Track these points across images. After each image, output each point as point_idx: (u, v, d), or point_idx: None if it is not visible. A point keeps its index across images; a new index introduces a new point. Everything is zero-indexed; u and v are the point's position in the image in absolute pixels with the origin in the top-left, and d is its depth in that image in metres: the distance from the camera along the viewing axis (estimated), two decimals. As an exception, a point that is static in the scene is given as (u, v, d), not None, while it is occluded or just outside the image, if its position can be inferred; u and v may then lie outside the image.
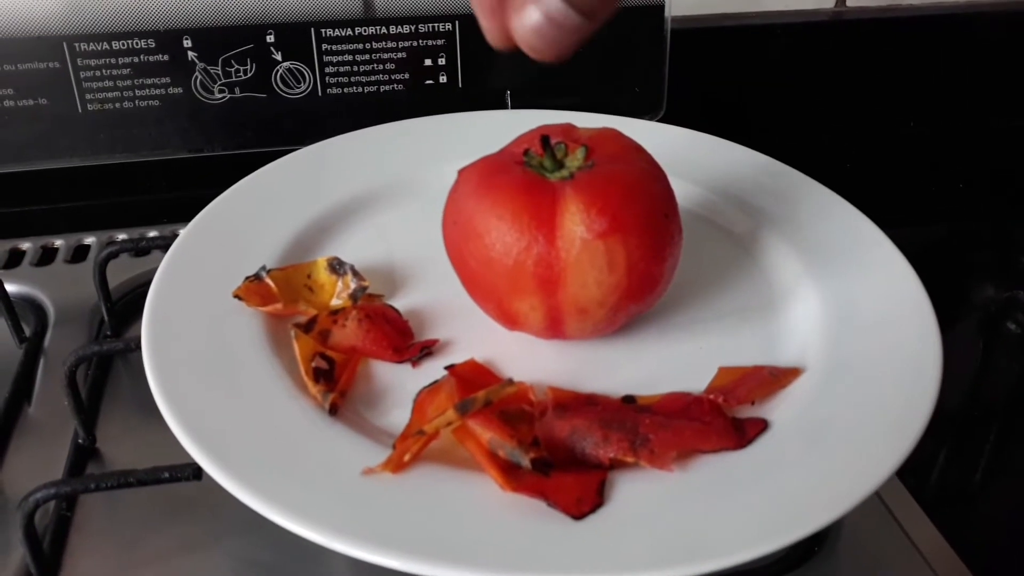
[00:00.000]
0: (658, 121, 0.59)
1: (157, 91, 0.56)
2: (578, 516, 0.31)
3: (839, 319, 0.41)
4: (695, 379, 0.38)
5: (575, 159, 0.38)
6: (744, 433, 0.34)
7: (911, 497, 0.41)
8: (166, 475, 0.34)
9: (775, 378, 0.37)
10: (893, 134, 0.76)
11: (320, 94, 0.58)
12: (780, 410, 0.36)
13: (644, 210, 0.36)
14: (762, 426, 0.35)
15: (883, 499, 0.40)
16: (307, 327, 0.39)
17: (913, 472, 0.41)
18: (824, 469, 0.33)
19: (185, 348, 0.38)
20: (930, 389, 0.36)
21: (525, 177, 0.37)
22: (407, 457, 0.32)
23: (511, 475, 0.32)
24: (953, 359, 0.52)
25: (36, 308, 0.51)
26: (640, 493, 0.32)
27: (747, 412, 0.36)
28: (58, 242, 0.56)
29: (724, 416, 0.35)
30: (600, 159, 0.38)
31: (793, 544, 0.30)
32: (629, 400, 0.37)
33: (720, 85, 0.70)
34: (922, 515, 0.40)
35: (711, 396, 0.36)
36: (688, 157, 0.52)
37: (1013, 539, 0.44)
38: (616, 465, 0.33)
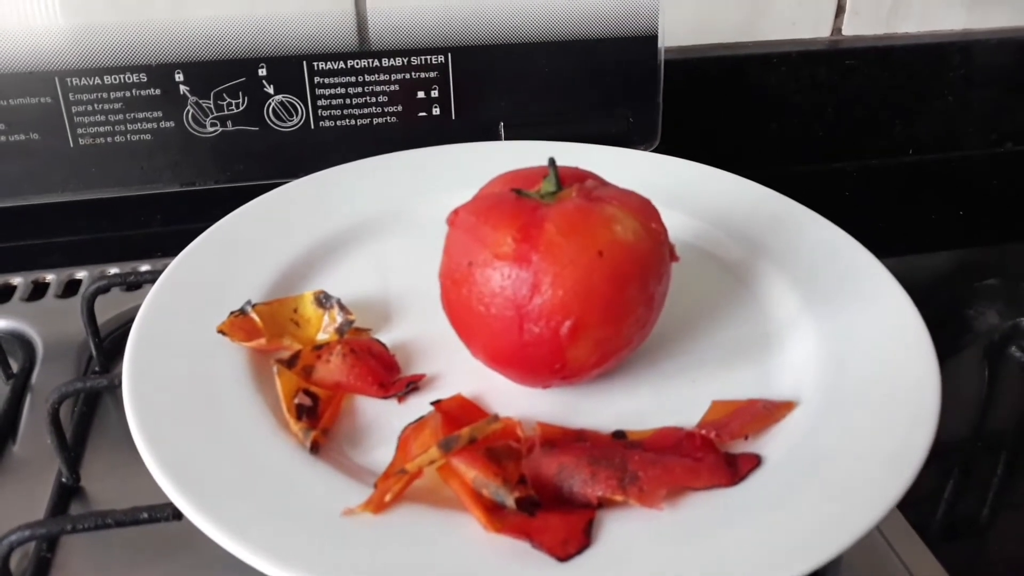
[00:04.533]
0: (653, 151, 0.59)
1: (149, 125, 0.56)
2: (563, 558, 0.30)
3: (835, 351, 0.40)
4: (688, 413, 0.37)
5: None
6: (737, 469, 0.33)
7: (914, 532, 0.40)
8: (145, 516, 0.33)
9: (769, 412, 0.36)
10: (891, 162, 0.76)
11: (313, 127, 0.58)
12: (774, 445, 0.35)
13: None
14: (755, 462, 0.34)
15: (884, 534, 0.39)
16: (290, 362, 0.38)
17: (916, 505, 0.40)
18: (820, 506, 0.32)
19: (167, 384, 0.37)
20: (929, 421, 0.35)
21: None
22: (389, 497, 0.32)
23: (495, 515, 0.31)
24: (958, 388, 0.51)
25: (25, 344, 0.50)
26: (629, 533, 0.31)
27: (741, 447, 0.35)
28: (49, 277, 0.56)
29: (716, 452, 0.34)
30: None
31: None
32: (619, 436, 0.36)
33: (716, 114, 0.70)
34: (925, 551, 0.39)
35: (703, 431, 0.35)
36: (683, 187, 0.51)
37: (1020, 574, 0.43)
38: (605, 504, 0.32)
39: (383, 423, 0.37)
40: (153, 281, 0.43)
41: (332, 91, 0.58)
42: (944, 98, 0.74)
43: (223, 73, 0.56)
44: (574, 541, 0.30)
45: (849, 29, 0.72)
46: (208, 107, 0.56)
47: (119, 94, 0.55)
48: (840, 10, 0.71)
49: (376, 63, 0.58)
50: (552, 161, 0.38)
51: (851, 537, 0.31)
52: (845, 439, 0.35)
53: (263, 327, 0.40)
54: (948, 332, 0.57)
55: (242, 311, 0.41)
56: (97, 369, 0.48)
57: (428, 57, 0.58)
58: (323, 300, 0.42)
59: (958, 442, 0.50)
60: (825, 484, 0.33)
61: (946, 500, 0.47)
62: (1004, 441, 0.51)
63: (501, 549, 0.30)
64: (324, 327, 0.41)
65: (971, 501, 0.47)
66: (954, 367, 0.54)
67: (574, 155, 0.41)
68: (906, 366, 0.38)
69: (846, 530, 0.31)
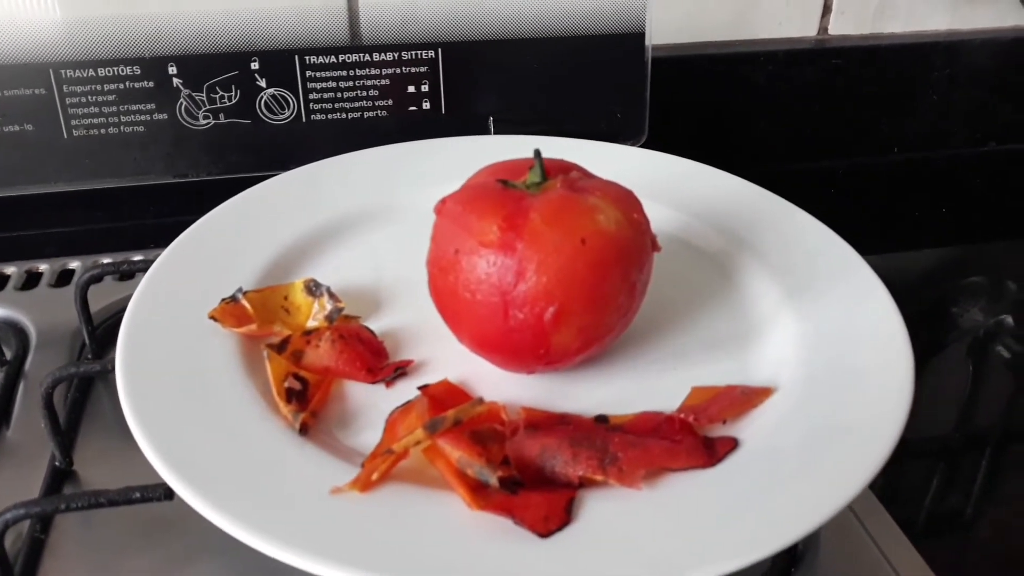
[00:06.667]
0: (640, 147, 0.60)
1: (142, 117, 0.57)
2: (545, 534, 0.30)
3: (813, 341, 0.41)
4: (669, 399, 0.38)
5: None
6: (714, 452, 0.34)
7: (897, 527, 0.40)
8: (137, 495, 0.34)
9: (747, 397, 0.37)
10: (877, 161, 0.77)
11: (304, 120, 0.59)
12: (752, 429, 0.36)
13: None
14: (732, 445, 0.35)
15: (868, 529, 0.40)
16: (280, 347, 0.39)
17: (899, 501, 0.41)
18: (793, 486, 0.33)
19: (159, 369, 0.38)
20: (901, 409, 0.36)
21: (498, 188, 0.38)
22: (375, 476, 0.32)
23: (479, 494, 0.32)
24: (942, 385, 0.51)
25: (18, 332, 0.51)
26: (608, 511, 0.32)
27: (719, 431, 0.36)
28: (43, 266, 0.56)
29: (694, 435, 0.35)
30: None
31: (765, 563, 0.30)
32: (601, 420, 0.37)
33: (703, 112, 0.71)
34: (907, 544, 0.39)
35: (682, 415, 0.36)
36: (669, 182, 0.52)
37: (1001, 569, 0.44)
38: (586, 483, 0.33)
39: (371, 407, 0.38)
40: (146, 270, 0.44)
41: (323, 85, 0.58)
42: (929, 97, 0.75)
43: (216, 66, 0.56)
44: (555, 518, 0.31)
45: (835, 29, 0.72)
46: (201, 100, 0.57)
47: (113, 86, 0.56)
48: (827, 10, 0.72)
49: (367, 57, 0.58)
50: (537, 152, 0.39)
51: (822, 517, 0.31)
52: (820, 424, 0.36)
53: (254, 314, 0.41)
54: (932, 329, 0.57)
55: (233, 298, 0.41)
56: (90, 356, 0.48)
57: (419, 52, 0.59)
58: (313, 288, 0.43)
59: (942, 438, 0.50)
60: (799, 466, 0.34)
61: (930, 496, 0.47)
62: (987, 437, 0.52)
63: (484, 525, 0.31)
64: (314, 314, 0.42)
65: (954, 497, 0.47)
66: (938, 364, 0.54)
67: (561, 149, 0.42)
68: (881, 357, 0.39)
69: (818, 510, 0.31)
